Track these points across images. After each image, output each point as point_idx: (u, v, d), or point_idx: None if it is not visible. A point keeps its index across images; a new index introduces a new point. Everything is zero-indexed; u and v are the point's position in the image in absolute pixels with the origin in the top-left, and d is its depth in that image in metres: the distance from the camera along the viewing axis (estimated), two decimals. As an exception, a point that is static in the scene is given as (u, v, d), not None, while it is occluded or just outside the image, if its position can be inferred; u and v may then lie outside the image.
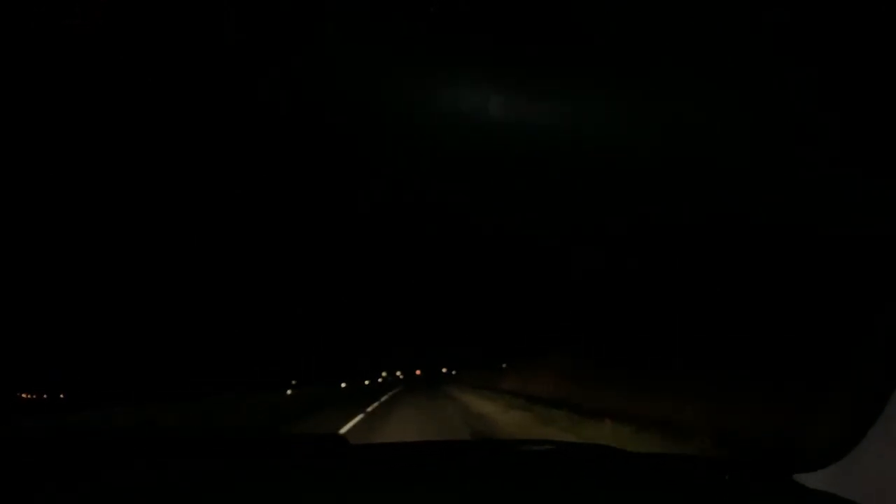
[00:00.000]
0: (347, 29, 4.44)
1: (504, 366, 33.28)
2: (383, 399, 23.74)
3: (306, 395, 29.19)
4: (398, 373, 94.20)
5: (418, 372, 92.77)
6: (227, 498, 1.29)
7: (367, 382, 61.48)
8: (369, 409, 17.23)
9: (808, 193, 5.01)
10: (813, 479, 1.43)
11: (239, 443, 2.16)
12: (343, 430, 11.19)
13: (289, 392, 31.63)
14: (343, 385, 48.71)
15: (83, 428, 11.70)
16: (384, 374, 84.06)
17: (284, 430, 12.43)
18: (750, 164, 5.08)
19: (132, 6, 5.14)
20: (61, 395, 24.92)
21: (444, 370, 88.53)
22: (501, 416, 13.64)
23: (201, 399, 21.87)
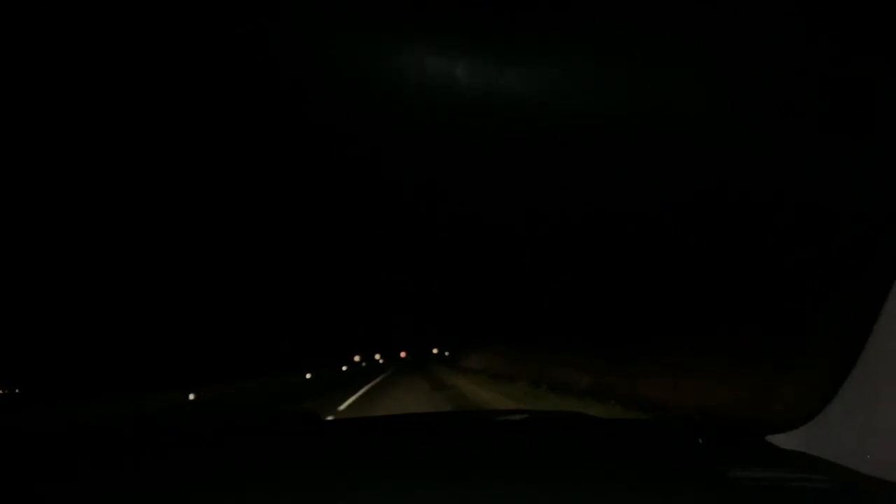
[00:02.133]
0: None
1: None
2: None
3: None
4: (377, 356, 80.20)
5: (403, 354, 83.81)
6: (202, 482, 1.26)
7: (344, 369, 49.72)
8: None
9: (773, 168, 5.08)
10: (786, 440, 1.45)
11: (209, 428, 2.12)
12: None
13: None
14: (308, 376, 33.93)
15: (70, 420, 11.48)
16: (357, 358, 68.50)
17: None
18: (721, 140, 5.12)
19: (134, 6, 5.00)
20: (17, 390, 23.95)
21: (434, 350, 79.64)
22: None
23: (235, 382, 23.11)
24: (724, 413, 6.62)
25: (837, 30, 3.33)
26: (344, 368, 50.03)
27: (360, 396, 16.31)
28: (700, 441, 1.52)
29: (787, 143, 4.69)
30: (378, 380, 27.28)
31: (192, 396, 18.39)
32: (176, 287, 29.33)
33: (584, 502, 1.05)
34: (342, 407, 12.72)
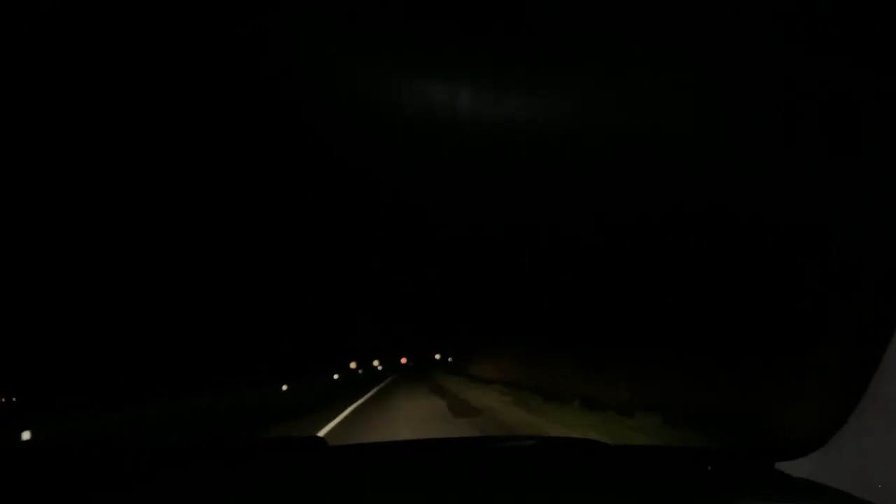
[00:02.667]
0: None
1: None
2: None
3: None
4: (375, 362, 71.50)
5: (404, 360, 74.91)
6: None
7: (336, 377, 42.58)
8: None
9: (783, 184, 5.07)
10: (795, 468, 1.44)
11: (218, 449, 2.11)
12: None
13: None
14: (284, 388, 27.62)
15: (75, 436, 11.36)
16: (353, 365, 60.39)
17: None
18: (722, 155, 5.13)
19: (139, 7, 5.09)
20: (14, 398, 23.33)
21: (437, 356, 72.83)
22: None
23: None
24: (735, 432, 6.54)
25: (837, 36, 3.35)
26: (336, 377, 43.08)
27: (341, 423, 11.51)
28: (709, 469, 1.51)
29: (794, 156, 4.68)
30: (371, 393, 21.75)
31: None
32: (151, 289, 27.80)
33: None
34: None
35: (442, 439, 2.32)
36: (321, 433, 9.45)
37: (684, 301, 8.77)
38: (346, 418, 12.38)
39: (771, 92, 4.14)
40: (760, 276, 6.67)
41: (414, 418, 11.46)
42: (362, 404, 16.23)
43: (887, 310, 1.35)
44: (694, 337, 8.62)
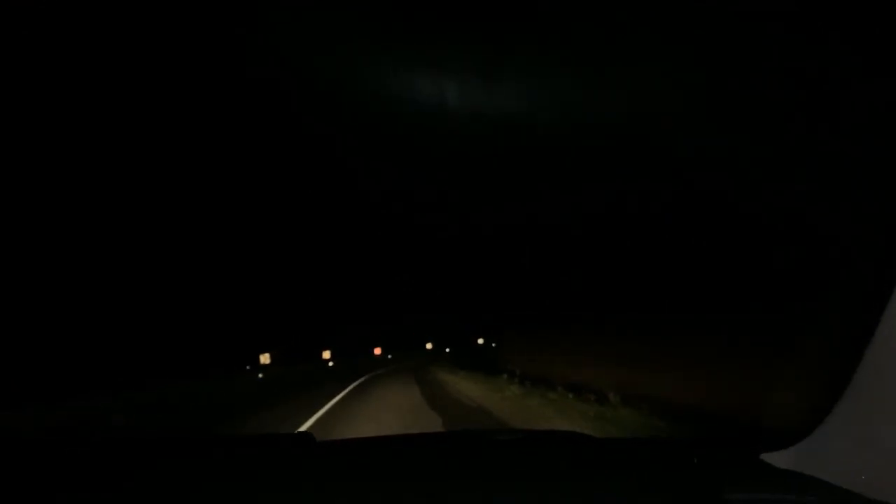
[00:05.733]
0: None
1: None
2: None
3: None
4: (325, 353, 53.30)
5: (378, 351, 61.36)
6: (195, 500, 1.25)
7: (261, 376, 31.08)
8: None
9: (769, 169, 5.10)
10: (780, 458, 1.45)
11: (205, 443, 2.10)
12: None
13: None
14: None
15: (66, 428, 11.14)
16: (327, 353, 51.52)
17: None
18: (723, 143, 5.14)
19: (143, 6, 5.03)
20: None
21: (428, 345, 65.25)
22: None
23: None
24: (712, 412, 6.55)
25: (834, 30, 3.36)
26: (260, 375, 31.66)
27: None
28: (695, 461, 1.52)
29: (782, 143, 4.71)
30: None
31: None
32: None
33: None
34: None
35: (429, 433, 2.32)
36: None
37: (671, 290, 8.83)
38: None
39: (771, 83, 4.15)
40: (747, 267, 6.72)
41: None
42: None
43: (872, 302, 1.36)
44: (680, 327, 8.69)
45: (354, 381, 19.55)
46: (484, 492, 1.23)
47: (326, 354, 53.91)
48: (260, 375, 31.54)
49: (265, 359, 37.21)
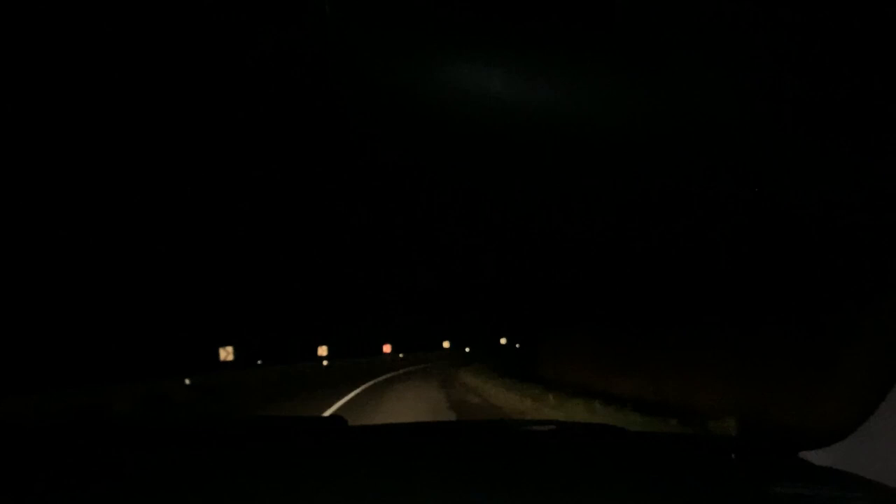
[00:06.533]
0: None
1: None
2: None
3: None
4: (321, 348, 42.88)
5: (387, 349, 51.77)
6: (227, 486, 1.27)
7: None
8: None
9: (813, 175, 4.99)
10: (820, 457, 1.42)
11: (235, 428, 2.14)
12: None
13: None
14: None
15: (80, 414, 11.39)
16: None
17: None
18: (760, 144, 5.03)
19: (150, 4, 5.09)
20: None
21: (445, 344, 59.15)
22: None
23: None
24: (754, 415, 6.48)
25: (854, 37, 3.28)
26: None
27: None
28: (732, 457, 1.50)
29: (826, 151, 4.59)
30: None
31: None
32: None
33: None
34: None
35: (461, 421, 2.33)
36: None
37: (712, 297, 8.71)
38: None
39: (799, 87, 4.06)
40: (789, 273, 6.59)
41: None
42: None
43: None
44: (719, 332, 8.56)
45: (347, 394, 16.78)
46: (519, 485, 1.23)
47: (323, 351, 44.81)
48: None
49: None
